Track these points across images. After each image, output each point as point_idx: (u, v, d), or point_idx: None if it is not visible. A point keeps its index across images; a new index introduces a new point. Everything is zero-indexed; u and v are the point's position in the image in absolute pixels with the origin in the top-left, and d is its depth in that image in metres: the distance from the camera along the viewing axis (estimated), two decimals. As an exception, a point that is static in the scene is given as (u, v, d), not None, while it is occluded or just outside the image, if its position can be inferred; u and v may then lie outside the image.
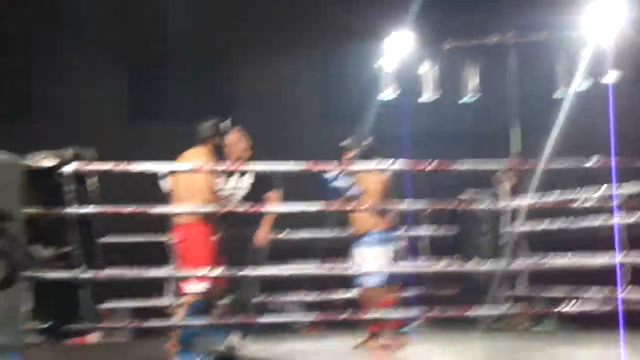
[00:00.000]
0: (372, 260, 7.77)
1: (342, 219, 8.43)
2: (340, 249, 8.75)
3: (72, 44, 14.20)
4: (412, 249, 9.52)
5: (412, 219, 9.48)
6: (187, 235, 6.94)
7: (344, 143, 8.07)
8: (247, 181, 7.70)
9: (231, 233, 7.40)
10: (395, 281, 7.95)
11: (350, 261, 7.98)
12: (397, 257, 7.89)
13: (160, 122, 14.28)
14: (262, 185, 7.65)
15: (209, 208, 6.97)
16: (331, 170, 7.78)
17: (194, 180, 7.02)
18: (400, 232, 8.04)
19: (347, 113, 13.53)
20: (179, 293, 7.19)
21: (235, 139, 7.61)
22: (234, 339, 7.41)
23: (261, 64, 14.78)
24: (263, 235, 7.70)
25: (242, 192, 7.68)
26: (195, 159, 7.08)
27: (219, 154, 7.27)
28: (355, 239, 7.93)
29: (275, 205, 7.57)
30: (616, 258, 7.34)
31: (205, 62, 14.85)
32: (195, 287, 6.90)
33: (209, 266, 6.92)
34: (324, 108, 15.32)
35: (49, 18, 14.22)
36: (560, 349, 7.63)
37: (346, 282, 9.01)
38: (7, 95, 13.96)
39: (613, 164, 7.80)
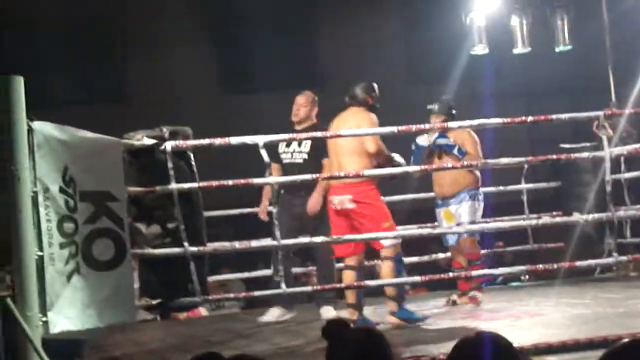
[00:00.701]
0: (467, 215, 7.83)
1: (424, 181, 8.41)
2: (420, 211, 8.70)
3: (157, 22, 14.33)
4: (512, 205, 9.45)
5: (512, 173, 9.38)
6: (363, 194, 6.92)
7: (431, 107, 8.00)
8: (307, 147, 7.63)
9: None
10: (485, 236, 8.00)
11: (443, 221, 7.98)
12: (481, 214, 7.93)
13: (249, 93, 14.33)
14: (320, 152, 7.52)
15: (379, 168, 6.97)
16: (428, 131, 7.75)
17: (360, 141, 6.96)
18: (485, 190, 8.06)
19: (436, 72, 13.42)
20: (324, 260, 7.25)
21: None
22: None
23: (346, 28, 14.71)
24: (316, 200, 7.56)
25: (302, 157, 7.60)
26: (360, 120, 7.03)
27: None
28: (448, 198, 7.91)
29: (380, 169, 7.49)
30: None
31: (289, 31, 14.85)
32: (390, 241, 6.93)
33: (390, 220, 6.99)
34: (411, 68, 15.21)
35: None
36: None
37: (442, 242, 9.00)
38: (97, 80, 14.16)
39: None
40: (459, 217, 7.88)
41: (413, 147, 7.97)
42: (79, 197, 5.86)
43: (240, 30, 14.73)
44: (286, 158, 7.71)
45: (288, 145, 7.66)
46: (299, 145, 7.56)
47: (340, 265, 7.36)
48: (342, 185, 6.96)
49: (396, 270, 6.86)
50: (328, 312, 7.49)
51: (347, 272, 7.06)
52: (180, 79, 14.32)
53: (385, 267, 6.92)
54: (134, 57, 14.47)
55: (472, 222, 7.81)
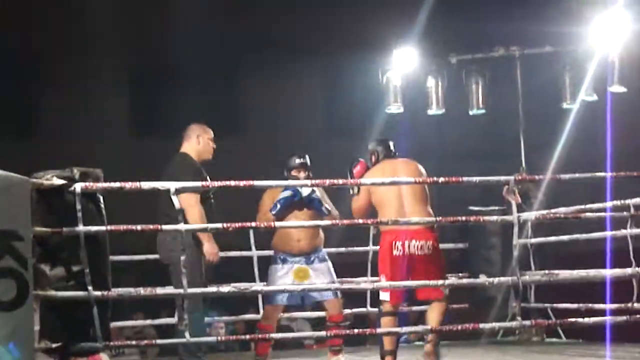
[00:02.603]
0: (330, 274, 7.82)
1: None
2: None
3: (74, 61, 14.24)
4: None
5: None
6: (437, 241, 7.09)
7: (301, 161, 7.94)
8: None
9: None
10: None
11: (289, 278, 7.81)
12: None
13: (163, 138, 14.28)
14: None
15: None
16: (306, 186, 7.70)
17: (426, 191, 7.20)
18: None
19: (352, 127, 13.55)
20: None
21: None
22: None
23: (267, 80, 14.80)
24: (212, 249, 7.34)
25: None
26: (421, 171, 7.30)
27: None
28: (302, 255, 7.82)
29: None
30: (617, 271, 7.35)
31: (210, 79, 14.86)
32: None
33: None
34: (329, 122, 15.33)
35: (51, 35, 14.26)
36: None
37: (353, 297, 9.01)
38: (9, 114, 13.98)
39: (609, 177, 7.79)
40: (329, 274, 7.80)
41: (289, 193, 7.77)
42: (-17, 235, 5.76)
43: (160, 73, 14.70)
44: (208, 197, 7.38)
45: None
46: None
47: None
48: (422, 230, 7.00)
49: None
50: None
51: (393, 318, 7.10)
52: (95, 120, 14.22)
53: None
54: (49, 95, 14.34)
55: (332, 282, 7.79)
